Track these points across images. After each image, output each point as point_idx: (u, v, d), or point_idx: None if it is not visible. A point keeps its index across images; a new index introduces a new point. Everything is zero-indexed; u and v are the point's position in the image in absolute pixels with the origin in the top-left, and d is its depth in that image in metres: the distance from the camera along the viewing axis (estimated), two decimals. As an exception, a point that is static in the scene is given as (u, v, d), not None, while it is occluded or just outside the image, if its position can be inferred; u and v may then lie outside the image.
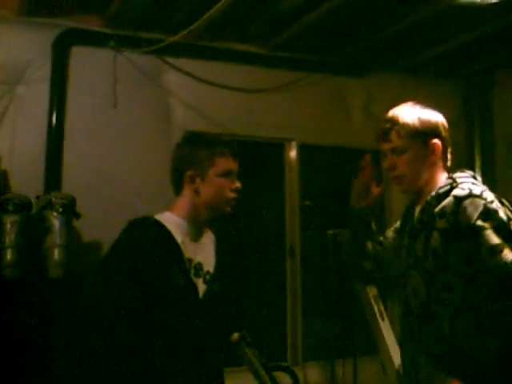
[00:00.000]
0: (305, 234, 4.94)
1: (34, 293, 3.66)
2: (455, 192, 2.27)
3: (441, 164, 2.42)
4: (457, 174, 2.38)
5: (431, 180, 2.40)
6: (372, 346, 4.11)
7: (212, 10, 3.73)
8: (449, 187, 2.32)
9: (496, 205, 2.23)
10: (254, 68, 4.74)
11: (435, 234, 2.27)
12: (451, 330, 2.22)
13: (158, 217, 2.39)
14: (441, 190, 2.33)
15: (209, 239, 2.52)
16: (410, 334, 2.36)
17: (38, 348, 3.59)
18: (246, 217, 4.85)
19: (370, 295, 3.02)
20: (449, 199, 2.27)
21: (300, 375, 4.34)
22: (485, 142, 5.52)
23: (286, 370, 4.20)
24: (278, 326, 4.87)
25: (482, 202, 2.21)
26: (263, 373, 2.92)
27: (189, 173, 2.39)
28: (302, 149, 4.97)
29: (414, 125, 2.38)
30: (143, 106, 4.37)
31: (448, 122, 5.68)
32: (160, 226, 2.34)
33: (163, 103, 4.45)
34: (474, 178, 2.39)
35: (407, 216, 2.54)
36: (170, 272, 2.29)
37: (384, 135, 2.42)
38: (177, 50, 4.42)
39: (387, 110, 5.03)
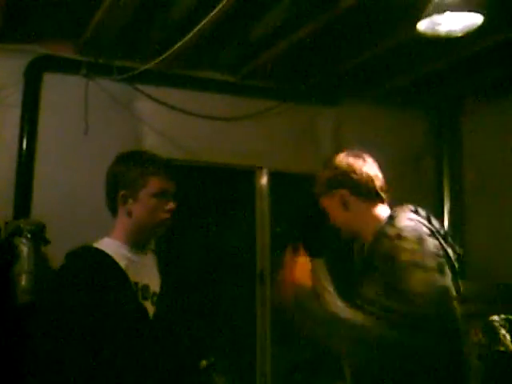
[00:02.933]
0: (275, 261, 4.95)
1: (2, 320, 3.62)
2: (383, 231, 2.29)
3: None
4: (394, 212, 2.37)
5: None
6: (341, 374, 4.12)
7: (184, 39, 3.79)
8: (381, 228, 2.31)
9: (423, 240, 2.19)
10: (225, 96, 4.79)
11: (377, 274, 2.24)
12: None
13: (97, 244, 2.32)
14: (379, 232, 2.31)
15: (151, 260, 2.46)
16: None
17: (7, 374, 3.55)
18: (216, 242, 4.86)
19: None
20: (384, 240, 2.25)
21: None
22: (454, 170, 5.58)
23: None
24: (247, 353, 4.87)
25: (400, 243, 2.18)
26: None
27: (121, 193, 2.32)
28: (272, 176, 5.01)
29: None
30: (115, 132, 4.37)
31: (417, 150, 5.77)
32: (101, 254, 2.27)
33: (135, 130, 4.47)
34: (415, 211, 2.35)
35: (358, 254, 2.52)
36: (118, 299, 2.23)
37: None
38: (149, 78, 4.45)
39: (357, 138, 5.13)
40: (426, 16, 3.24)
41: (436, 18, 3.25)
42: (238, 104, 4.83)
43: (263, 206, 4.98)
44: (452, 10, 3.12)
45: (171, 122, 4.57)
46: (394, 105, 5.39)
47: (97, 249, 2.30)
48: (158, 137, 4.48)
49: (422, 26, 3.33)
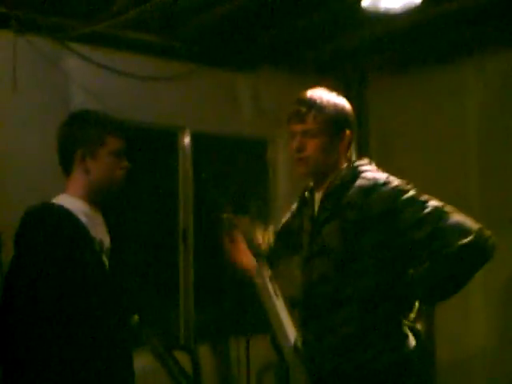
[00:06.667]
0: (199, 219, 5.06)
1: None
2: (360, 182, 2.34)
3: (346, 153, 2.47)
4: (358, 163, 2.44)
5: (335, 167, 2.43)
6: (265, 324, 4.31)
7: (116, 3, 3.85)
8: (351, 176, 2.37)
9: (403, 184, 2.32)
10: (151, 57, 4.83)
11: (345, 224, 2.31)
12: (360, 314, 2.30)
13: (56, 201, 2.38)
14: (345, 179, 2.37)
15: (100, 217, 2.53)
16: (315, 316, 2.42)
17: None
18: (139, 201, 4.91)
19: (266, 275, 3.20)
20: (355, 190, 2.32)
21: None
22: (360, 137, 5.86)
23: (186, 349, 4.36)
24: (171, 308, 5.00)
25: (388, 188, 2.28)
26: (166, 353, 3.05)
27: (79, 151, 2.38)
28: (195, 136, 5.11)
29: (330, 112, 2.40)
30: (43, 90, 4.32)
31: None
32: (63, 210, 2.33)
33: (64, 88, 4.43)
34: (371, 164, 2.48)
35: (306, 200, 2.56)
36: (84, 253, 2.31)
37: (299, 116, 2.40)
38: (79, 37, 4.40)
39: (274, 104, 5.32)
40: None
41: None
42: (164, 65, 4.89)
43: (186, 166, 5.08)
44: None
45: (99, 80, 4.57)
46: (309, 74, 5.57)
47: (58, 205, 2.36)
48: (87, 95, 4.45)
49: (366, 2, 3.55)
